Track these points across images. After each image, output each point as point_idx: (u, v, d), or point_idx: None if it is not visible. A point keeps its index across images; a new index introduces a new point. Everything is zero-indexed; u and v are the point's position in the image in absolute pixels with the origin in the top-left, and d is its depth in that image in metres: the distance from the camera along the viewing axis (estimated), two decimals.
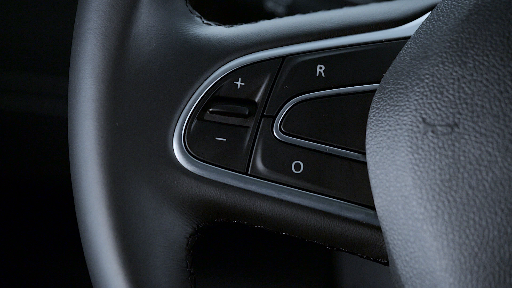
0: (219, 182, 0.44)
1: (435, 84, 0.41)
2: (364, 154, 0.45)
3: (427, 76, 0.42)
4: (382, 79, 0.45)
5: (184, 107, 0.45)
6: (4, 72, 0.90)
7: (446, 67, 0.41)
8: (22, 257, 1.02)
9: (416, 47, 0.44)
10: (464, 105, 0.40)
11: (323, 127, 0.45)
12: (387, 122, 0.42)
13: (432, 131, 0.40)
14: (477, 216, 0.38)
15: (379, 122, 0.43)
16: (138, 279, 0.42)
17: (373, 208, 0.44)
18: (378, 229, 0.44)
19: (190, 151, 0.45)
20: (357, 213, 0.44)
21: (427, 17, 0.46)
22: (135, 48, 0.45)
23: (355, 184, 0.44)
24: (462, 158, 0.39)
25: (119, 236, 0.42)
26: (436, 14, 0.45)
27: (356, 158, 0.45)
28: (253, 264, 1.02)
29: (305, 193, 0.45)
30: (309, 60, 0.46)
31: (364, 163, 0.44)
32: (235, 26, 0.48)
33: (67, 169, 0.45)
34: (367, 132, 0.44)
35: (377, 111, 0.43)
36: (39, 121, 0.91)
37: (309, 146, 0.45)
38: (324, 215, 0.44)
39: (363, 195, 0.44)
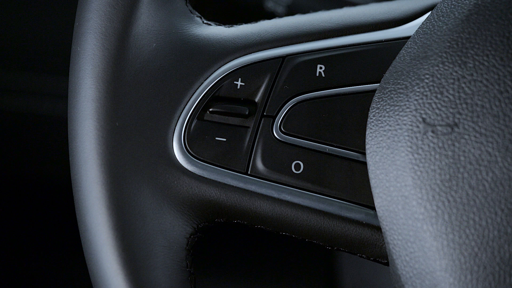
0: (219, 182, 0.44)
1: (435, 84, 0.41)
2: (364, 154, 0.45)
3: (427, 76, 0.42)
4: (382, 79, 0.45)
5: (184, 107, 0.45)
6: (4, 72, 0.90)
7: (446, 67, 0.41)
8: (22, 257, 1.02)
9: (416, 47, 0.44)
10: (464, 105, 0.40)
11: (323, 127, 0.45)
12: (387, 122, 0.42)
13: (432, 131, 0.40)
14: (477, 216, 0.38)
15: (379, 122, 0.43)
16: (138, 279, 0.42)
17: (373, 208, 0.44)
18: (378, 229, 0.44)
19: (190, 151, 0.45)
20: (357, 213, 0.44)
21: (427, 17, 0.46)
22: (135, 48, 0.45)
23: (355, 184, 0.44)
24: (462, 158, 0.39)
25: (119, 236, 0.42)
26: (436, 14, 0.45)
27: (356, 158, 0.45)
28: (253, 264, 1.02)
29: (305, 193, 0.45)
30: (309, 60, 0.46)
31: (364, 163, 0.44)
32: (235, 26, 0.48)
33: (67, 169, 0.45)
34: (367, 132, 0.44)
35: (377, 111, 0.43)
36: (39, 121, 0.91)
37: (309, 146, 0.45)
38: (324, 215, 0.44)
39: (363, 195, 0.44)
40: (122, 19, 0.46)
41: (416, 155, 0.40)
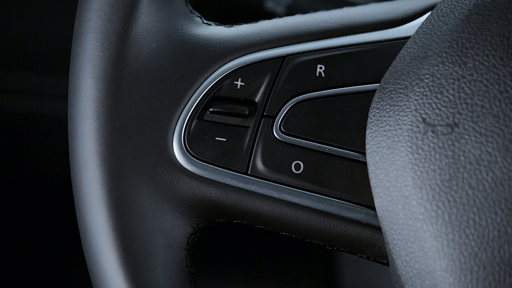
0: (219, 182, 0.44)
1: (435, 84, 0.41)
2: (364, 154, 0.45)
3: (427, 76, 0.42)
4: (382, 79, 0.45)
5: (184, 107, 0.45)
6: (4, 72, 0.90)
7: (446, 67, 0.41)
8: (22, 257, 1.02)
9: (416, 47, 0.44)
10: (464, 105, 0.40)
11: (323, 127, 0.45)
12: (387, 122, 0.42)
13: (432, 131, 0.40)
14: (477, 216, 0.38)
15: (379, 122, 0.43)
16: (138, 279, 0.42)
17: (373, 208, 0.44)
18: (378, 229, 0.44)
19: (190, 151, 0.45)
20: (357, 213, 0.44)
21: (427, 17, 0.46)
22: (135, 48, 0.45)
23: (355, 184, 0.44)
24: (462, 158, 0.39)
25: (119, 236, 0.42)
26: (436, 14, 0.45)
27: (356, 158, 0.45)
28: (253, 264, 1.02)
29: (305, 193, 0.45)
30: (309, 60, 0.46)
31: (364, 163, 0.44)
32: (235, 26, 0.48)
33: (67, 169, 0.45)
34: (367, 132, 0.44)
35: (377, 111, 0.43)
36: (39, 121, 0.91)
37: (309, 146, 0.45)
38: (324, 215, 0.44)
39: (363, 195, 0.44)
40: (122, 19, 0.46)
41: (416, 155, 0.40)
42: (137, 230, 0.42)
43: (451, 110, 0.40)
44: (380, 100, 0.44)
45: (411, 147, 0.41)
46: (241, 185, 0.45)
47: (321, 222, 0.44)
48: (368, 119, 0.44)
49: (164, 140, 0.45)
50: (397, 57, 0.45)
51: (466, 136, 0.39)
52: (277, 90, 0.46)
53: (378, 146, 0.42)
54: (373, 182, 0.42)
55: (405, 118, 0.41)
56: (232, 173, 0.45)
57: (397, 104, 0.42)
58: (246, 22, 0.49)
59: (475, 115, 0.40)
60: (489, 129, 0.39)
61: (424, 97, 0.41)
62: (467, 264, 0.38)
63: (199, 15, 0.49)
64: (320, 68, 0.46)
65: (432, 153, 0.40)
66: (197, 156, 0.45)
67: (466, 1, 0.43)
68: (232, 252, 1.02)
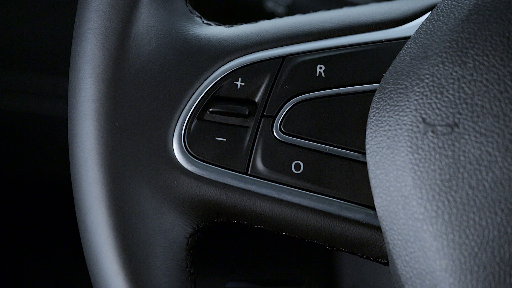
0: (219, 182, 0.44)
1: (435, 84, 0.41)
2: (364, 154, 0.45)
3: (427, 76, 0.42)
4: (382, 79, 0.45)
5: (184, 107, 0.45)
6: (4, 72, 0.90)
7: (446, 67, 0.41)
8: (22, 257, 1.02)
9: (416, 47, 0.44)
10: (464, 105, 0.40)
11: (323, 127, 0.45)
12: (387, 122, 0.42)
13: (432, 131, 0.40)
14: (477, 216, 0.38)
15: (379, 122, 0.43)
16: (138, 279, 0.42)
17: (373, 208, 0.44)
18: (378, 229, 0.44)
19: (190, 151, 0.45)
20: (357, 213, 0.44)
21: (427, 17, 0.46)
22: (135, 48, 0.45)
23: (355, 184, 0.44)
24: (462, 158, 0.39)
25: (119, 236, 0.42)
26: (436, 14, 0.45)
27: (356, 158, 0.45)
28: (253, 264, 1.02)
29: (305, 193, 0.45)
30: (309, 60, 0.46)
31: (364, 163, 0.44)
32: (235, 26, 0.48)
33: (67, 169, 0.45)
34: (367, 132, 0.44)
35: (377, 111, 0.43)
36: (39, 121, 0.91)
37: (309, 146, 0.45)
38: (324, 215, 0.44)
39: (363, 195, 0.44)
40: (122, 19, 0.46)
41: (416, 155, 0.40)
42: (137, 230, 0.42)
43: (451, 110, 0.40)
44: (380, 100, 0.44)
45: (411, 147, 0.41)
46: (241, 185, 0.45)
47: (321, 222, 0.44)
48: (368, 119, 0.44)
49: (164, 140, 0.45)
50: (397, 57, 0.45)
51: (466, 136, 0.39)
52: (277, 90, 0.46)
53: (378, 146, 0.42)
54: (373, 182, 0.42)
55: (405, 118, 0.41)
56: (232, 173, 0.45)
57: (397, 104, 0.42)
58: (246, 22, 0.49)
59: (475, 115, 0.40)
60: (489, 129, 0.39)
61: (424, 97, 0.41)
62: (467, 264, 0.38)
63: (199, 15, 0.49)
64: (320, 68, 0.46)
65: (432, 153, 0.40)
66: (197, 156, 0.45)
67: (466, 1, 0.43)
68: (232, 252, 1.02)
